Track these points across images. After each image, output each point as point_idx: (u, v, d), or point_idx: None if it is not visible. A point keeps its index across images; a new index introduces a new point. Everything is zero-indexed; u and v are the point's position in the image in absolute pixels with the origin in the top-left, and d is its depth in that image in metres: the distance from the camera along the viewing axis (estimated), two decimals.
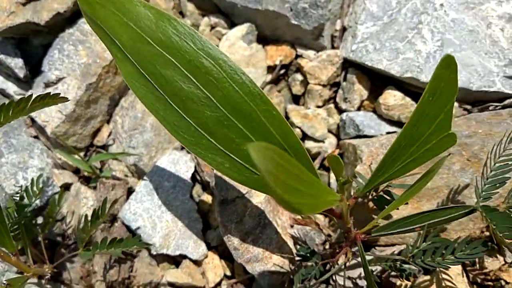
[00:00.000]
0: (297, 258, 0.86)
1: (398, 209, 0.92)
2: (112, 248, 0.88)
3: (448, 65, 0.57)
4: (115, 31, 0.69)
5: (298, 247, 0.86)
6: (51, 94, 0.72)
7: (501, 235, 0.69)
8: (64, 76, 1.14)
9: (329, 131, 1.12)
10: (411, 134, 0.62)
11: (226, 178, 0.96)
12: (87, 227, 0.89)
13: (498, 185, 0.75)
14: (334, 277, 0.90)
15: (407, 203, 0.85)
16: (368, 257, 0.92)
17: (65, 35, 1.16)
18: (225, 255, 1.07)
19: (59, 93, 0.72)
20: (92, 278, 1.11)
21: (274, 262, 0.93)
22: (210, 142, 0.69)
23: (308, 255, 0.85)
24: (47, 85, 1.15)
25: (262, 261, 0.93)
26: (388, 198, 0.85)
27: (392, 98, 1.05)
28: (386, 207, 0.84)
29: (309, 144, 1.09)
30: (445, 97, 0.60)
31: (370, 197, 0.87)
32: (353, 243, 0.78)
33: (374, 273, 0.93)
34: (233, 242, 0.92)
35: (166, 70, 0.67)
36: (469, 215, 0.76)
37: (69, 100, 0.74)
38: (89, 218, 0.89)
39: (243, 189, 0.95)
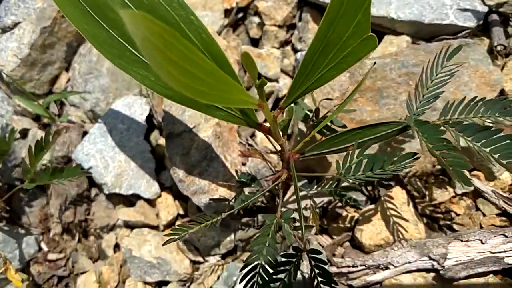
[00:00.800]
0: (237, 185, 0.86)
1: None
2: (56, 179, 0.88)
3: None
4: None
5: (239, 173, 0.86)
6: None
7: (431, 146, 0.68)
8: (20, 21, 1.13)
9: (285, 72, 1.10)
10: (326, 38, 0.61)
11: (173, 113, 0.96)
12: (31, 157, 0.89)
13: (432, 100, 0.73)
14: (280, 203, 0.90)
15: (345, 127, 0.84)
16: (313, 191, 0.91)
17: None
18: (179, 195, 1.07)
19: None
20: (49, 220, 1.11)
21: (221, 194, 0.93)
22: (133, 55, 0.68)
23: (249, 181, 0.85)
24: (3, 30, 1.14)
25: (208, 193, 0.93)
26: (328, 124, 0.84)
27: None
28: (325, 131, 0.84)
29: None
30: None
31: (311, 123, 0.86)
32: (288, 164, 0.77)
33: (320, 204, 0.93)
34: (178, 174, 0.92)
35: None
36: (403, 132, 0.75)
37: None
38: (33, 149, 0.89)
39: (190, 123, 0.95)
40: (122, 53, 0.68)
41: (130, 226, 1.06)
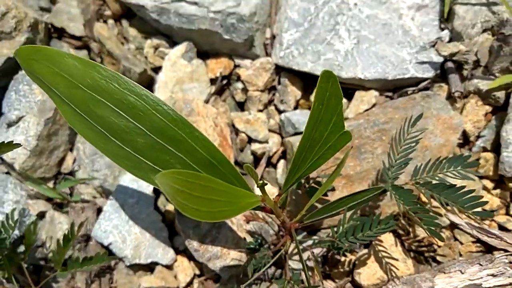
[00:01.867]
0: (248, 251, 0.98)
1: (332, 193, 1.04)
2: (85, 266, 0.98)
3: (327, 79, 0.69)
4: (51, 81, 0.79)
5: (248, 240, 0.98)
6: (5, 142, 0.82)
7: (408, 208, 0.82)
8: (24, 115, 1.23)
9: (273, 131, 1.23)
10: (311, 137, 0.74)
11: None
12: (60, 249, 0.99)
13: (403, 166, 0.87)
14: (287, 264, 1.02)
15: (334, 189, 0.97)
16: (310, 241, 1.04)
17: (19, 76, 1.25)
18: (193, 257, 1.18)
19: (12, 141, 0.81)
20: None
21: (233, 257, 1.05)
22: (148, 165, 0.80)
23: (257, 246, 0.97)
24: (9, 125, 1.24)
25: (221, 257, 1.05)
26: (317, 187, 0.96)
27: None
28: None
29: (254, 146, 1.20)
30: (333, 104, 0.72)
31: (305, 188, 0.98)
32: (290, 232, 0.90)
33: (320, 253, 1.05)
34: (193, 245, 1.03)
35: (98, 109, 0.77)
36: (382, 194, 0.88)
37: (21, 145, 0.83)
38: (61, 241, 0.99)
39: None
40: (139, 165, 0.80)
41: None
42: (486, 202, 0.81)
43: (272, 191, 1.15)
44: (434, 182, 0.85)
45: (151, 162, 0.79)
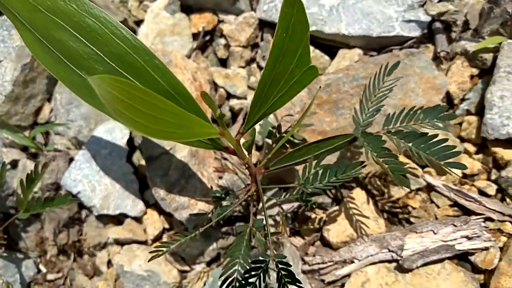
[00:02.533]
0: (212, 200, 0.95)
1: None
2: (48, 207, 0.96)
3: (292, 4, 0.65)
4: (13, 5, 0.76)
5: (214, 189, 0.95)
6: None
7: (375, 155, 0.78)
8: (1, 60, 1.21)
9: (253, 88, 1.19)
10: (275, 69, 0.70)
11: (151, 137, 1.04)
12: (24, 190, 0.97)
13: (374, 113, 0.83)
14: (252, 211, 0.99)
15: (305, 141, 0.93)
16: (282, 199, 1.01)
17: None
18: (164, 211, 1.15)
19: None
20: (45, 243, 1.19)
21: (200, 207, 1.02)
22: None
23: (223, 195, 0.94)
24: None
25: (188, 208, 1.02)
26: (290, 138, 0.93)
27: None
28: (287, 145, 0.93)
29: (232, 101, 1.17)
30: (298, 33, 0.68)
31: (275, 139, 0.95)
32: (255, 178, 0.87)
33: (291, 209, 1.02)
34: (160, 193, 1.01)
35: (58, 33, 0.74)
36: (352, 142, 0.84)
37: None
38: (25, 182, 0.97)
39: (167, 145, 1.04)
40: (97, 95, 0.77)
41: (120, 243, 1.14)
42: (460, 153, 0.77)
43: None
44: (405, 131, 0.81)
45: None
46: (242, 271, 0.78)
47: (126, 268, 1.04)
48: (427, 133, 0.79)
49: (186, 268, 1.07)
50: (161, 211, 1.16)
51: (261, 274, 0.72)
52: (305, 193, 0.95)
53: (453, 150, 0.77)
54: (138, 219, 1.14)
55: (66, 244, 1.17)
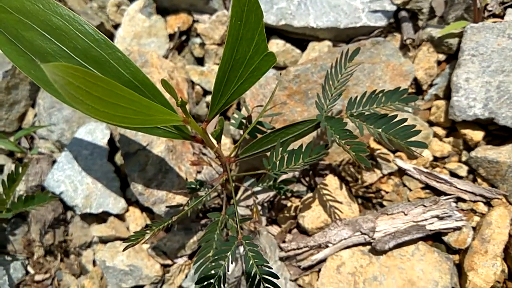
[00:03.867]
0: (188, 191, 0.97)
1: None
2: (29, 205, 0.98)
3: None
4: None
5: (188, 181, 0.97)
6: None
7: (338, 136, 0.80)
8: None
9: None
10: (233, 57, 0.73)
11: (128, 134, 1.07)
12: (6, 189, 0.99)
13: (337, 98, 0.86)
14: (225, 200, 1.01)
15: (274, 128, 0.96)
16: (259, 188, 1.03)
17: None
18: (146, 207, 1.18)
19: None
20: (32, 245, 1.22)
21: (178, 201, 1.04)
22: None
23: (198, 186, 0.96)
24: None
25: (166, 201, 1.04)
26: (259, 127, 0.96)
27: (275, 46, 1.16)
28: (258, 134, 0.96)
29: (209, 97, 1.20)
30: (253, 21, 0.71)
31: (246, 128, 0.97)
32: (226, 166, 0.89)
33: (267, 199, 1.04)
34: (137, 188, 1.03)
35: (26, 33, 0.77)
36: (317, 128, 0.87)
37: None
38: (6, 181, 0.99)
39: (144, 142, 1.06)
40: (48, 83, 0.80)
41: (104, 241, 1.16)
42: (420, 131, 0.79)
43: (224, 141, 1.14)
44: (367, 113, 0.83)
45: None
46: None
47: (108, 264, 1.06)
48: (387, 114, 0.81)
49: (168, 262, 1.09)
50: (143, 208, 1.18)
51: (229, 255, 0.74)
52: (277, 181, 0.97)
53: (413, 129, 0.80)
54: (121, 217, 1.17)
55: (52, 244, 1.19)
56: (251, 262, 0.74)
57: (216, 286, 0.72)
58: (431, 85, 1.09)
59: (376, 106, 0.86)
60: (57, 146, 1.28)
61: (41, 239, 1.20)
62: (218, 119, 0.88)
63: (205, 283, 0.73)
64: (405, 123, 0.81)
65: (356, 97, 0.86)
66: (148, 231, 0.86)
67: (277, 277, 0.71)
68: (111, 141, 1.23)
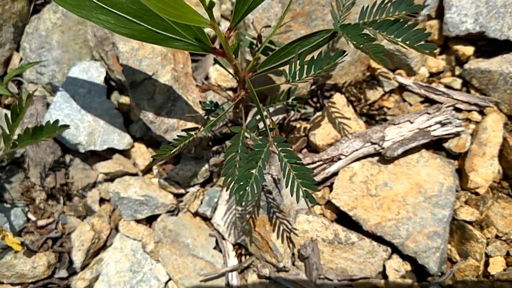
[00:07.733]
0: (203, 114, 0.98)
1: None
2: (38, 137, 0.95)
3: None
4: None
5: (203, 103, 0.97)
6: None
7: (355, 42, 0.83)
8: None
9: (224, 17, 1.22)
10: None
11: (131, 65, 1.05)
12: (9, 124, 0.95)
13: (350, 6, 0.88)
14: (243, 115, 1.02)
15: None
16: (271, 108, 1.05)
17: None
18: (151, 143, 1.17)
19: None
20: (31, 191, 1.18)
21: (189, 127, 1.04)
22: (92, 2, 0.77)
23: (213, 107, 0.97)
24: None
25: (178, 129, 1.04)
26: (269, 45, 0.97)
27: None
28: (269, 52, 0.97)
29: (207, 28, 1.19)
30: None
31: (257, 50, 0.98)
32: (244, 82, 0.90)
33: (277, 121, 1.07)
34: (148, 116, 1.02)
35: None
36: (333, 38, 0.89)
37: None
38: (10, 117, 0.95)
39: (149, 71, 1.05)
40: (82, 2, 0.77)
41: (111, 178, 1.15)
42: (430, 34, 0.84)
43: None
44: (379, 20, 0.87)
45: None
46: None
47: (123, 195, 1.05)
48: (399, 19, 0.85)
49: (182, 191, 1.10)
50: (148, 144, 1.17)
51: (264, 152, 0.76)
52: (290, 99, 1.00)
53: (424, 32, 0.84)
54: (126, 154, 1.15)
55: (54, 188, 1.16)
56: (284, 161, 0.76)
57: (254, 185, 0.74)
58: (423, 7, 1.14)
59: (385, 16, 0.90)
60: (48, 90, 1.23)
61: (42, 182, 1.16)
62: (234, 34, 0.89)
63: (242, 183, 0.75)
64: (416, 27, 0.85)
65: (368, 6, 0.89)
66: (171, 147, 0.86)
67: (311, 172, 0.74)
68: (106, 80, 1.19)
